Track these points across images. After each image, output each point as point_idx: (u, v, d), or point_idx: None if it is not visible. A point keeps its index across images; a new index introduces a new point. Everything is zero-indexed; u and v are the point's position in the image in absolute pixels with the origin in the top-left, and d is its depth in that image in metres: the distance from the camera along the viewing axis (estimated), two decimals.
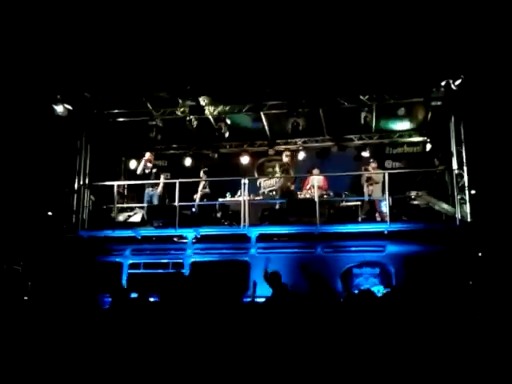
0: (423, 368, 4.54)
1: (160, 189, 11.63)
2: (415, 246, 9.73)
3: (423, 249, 9.63)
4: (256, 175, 13.32)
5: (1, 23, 12.22)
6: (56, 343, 4.88)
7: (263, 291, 8.73)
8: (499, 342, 4.93)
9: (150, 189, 11.62)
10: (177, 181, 11.08)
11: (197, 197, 11.94)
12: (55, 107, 11.34)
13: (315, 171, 11.87)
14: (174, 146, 13.79)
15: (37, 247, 11.63)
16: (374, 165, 11.50)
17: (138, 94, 11.59)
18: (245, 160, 13.22)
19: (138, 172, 11.77)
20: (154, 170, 11.80)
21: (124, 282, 10.26)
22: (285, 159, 13.07)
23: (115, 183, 11.42)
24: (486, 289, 7.75)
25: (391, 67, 10.44)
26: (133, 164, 13.28)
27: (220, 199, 11.84)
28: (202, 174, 12.29)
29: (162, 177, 11.83)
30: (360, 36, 11.38)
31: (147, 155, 11.94)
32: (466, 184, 10.32)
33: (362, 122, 11.26)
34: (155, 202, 11.51)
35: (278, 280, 6.74)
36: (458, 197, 10.18)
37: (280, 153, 13.45)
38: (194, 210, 11.73)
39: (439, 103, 10.93)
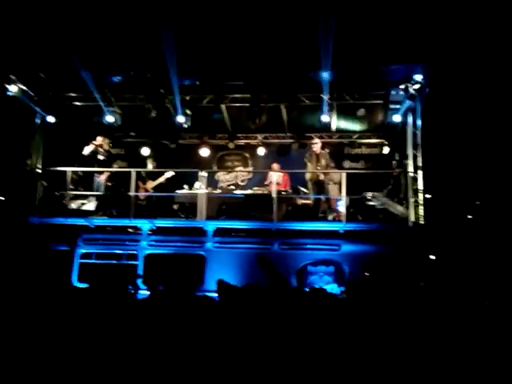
0: (370, 369, 4.62)
1: (104, 177, 11.17)
2: (370, 246, 9.90)
3: (377, 249, 9.80)
4: (215, 168, 13.20)
5: None
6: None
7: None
8: (449, 343, 5.07)
9: (96, 175, 11.22)
10: (132, 170, 10.88)
11: (148, 186, 11.75)
12: (8, 87, 10.89)
13: (275, 166, 11.87)
14: (132, 134, 13.50)
15: None
16: (331, 164, 11.59)
17: (96, 78, 11.27)
18: (204, 152, 13.06)
19: (85, 153, 11.27)
20: (102, 158, 11.36)
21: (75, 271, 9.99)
22: (314, 149, 11.23)
23: (68, 169, 11.06)
24: (436, 291, 7.97)
25: (353, 67, 10.57)
26: (87, 149, 12.94)
27: (177, 191, 11.67)
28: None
29: (115, 165, 11.55)
30: (323, 35, 11.41)
31: (99, 140, 11.55)
32: (421, 187, 10.58)
33: (319, 121, 11.40)
34: (101, 190, 11.13)
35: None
36: (412, 199, 10.43)
37: (241, 147, 13.43)
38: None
39: (398, 106, 11.18)
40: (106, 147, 11.59)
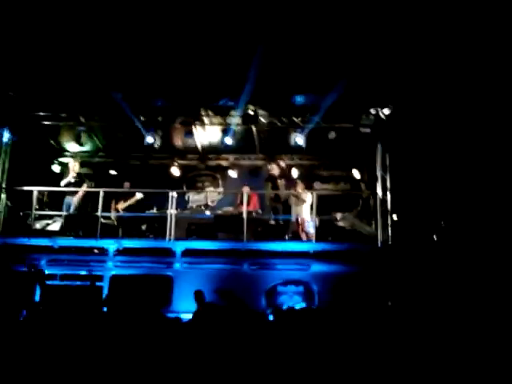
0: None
1: (76, 198, 11.06)
2: (339, 266, 9.92)
3: (346, 269, 9.86)
4: (185, 189, 13.08)
5: None
6: None
7: (188, 306, 8.55)
8: (417, 361, 5.04)
9: (69, 197, 11.11)
10: (101, 190, 10.72)
11: (120, 207, 11.58)
12: None
13: (245, 189, 11.85)
14: (101, 154, 13.34)
15: None
16: (301, 185, 11.63)
17: (65, 98, 11.18)
18: (175, 173, 12.94)
19: (63, 184, 11.28)
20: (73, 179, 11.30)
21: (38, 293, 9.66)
22: (273, 171, 11.80)
23: (35, 188, 10.81)
24: (403, 309, 7.99)
25: (325, 92, 10.72)
26: (56, 168, 12.75)
27: (146, 211, 11.51)
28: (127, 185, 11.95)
29: (84, 185, 11.38)
30: (295, 59, 11.58)
31: (71, 165, 11.50)
32: (389, 209, 10.68)
33: (293, 142, 11.47)
34: (71, 210, 10.98)
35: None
36: (381, 220, 10.51)
37: (212, 168, 13.39)
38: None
39: (368, 130, 11.34)
40: (77, 169, 11.48)
